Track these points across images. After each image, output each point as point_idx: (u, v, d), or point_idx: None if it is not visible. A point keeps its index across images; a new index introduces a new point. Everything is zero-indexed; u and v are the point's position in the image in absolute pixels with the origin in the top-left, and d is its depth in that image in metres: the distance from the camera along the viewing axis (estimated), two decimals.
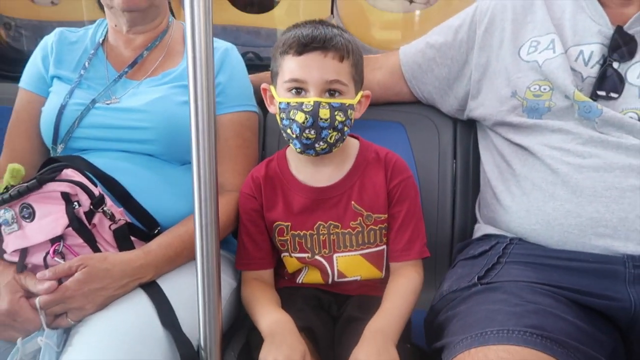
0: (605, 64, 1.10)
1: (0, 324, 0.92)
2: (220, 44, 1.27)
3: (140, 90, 1.20)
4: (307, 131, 1.00)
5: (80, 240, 0.96)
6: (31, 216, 0.94)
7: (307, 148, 1.03)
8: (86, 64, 1.24)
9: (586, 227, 1.02)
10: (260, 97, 1.34)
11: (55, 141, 1.18)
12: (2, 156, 1.24)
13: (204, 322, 0.90)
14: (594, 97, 1.10)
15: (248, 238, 1.13)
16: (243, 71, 1.29)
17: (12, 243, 0.96)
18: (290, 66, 1.02)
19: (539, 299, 0.92)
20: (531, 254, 1.06)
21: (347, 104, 1.03)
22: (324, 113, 0.99)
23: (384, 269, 1.14)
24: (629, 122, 1.06)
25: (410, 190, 1.12)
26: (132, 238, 1.04)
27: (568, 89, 1.10)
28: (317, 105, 0.99)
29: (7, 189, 0.97)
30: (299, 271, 1.15)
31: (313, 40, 1.00)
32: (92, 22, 1.36)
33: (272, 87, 1.09)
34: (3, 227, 0.96)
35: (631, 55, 1.10)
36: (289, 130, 1.03)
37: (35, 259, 0.96)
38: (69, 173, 0.99)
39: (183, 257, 1.06)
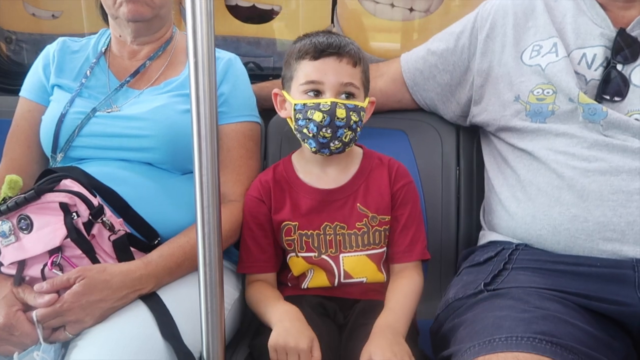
0: (608, 66, 1.10)
1: None
2: (224, 54, 1.28)
3: (142, 99, 1.20)
4: (324, 130, 1.04)
5: (78, 252, 0.95)
6: (29, 227, 0.93)
7: (322, 147, 1.07)
8: (88, 72, 1.24)
9: (593, 231, 1.01)
10: (261, 107, 1.35)
11: (54, 150, 1.18)
12: (1, 165, 1.24)
13: (206, 333, 0.88)
14: (599, 99, 1.09)
15: (253, 241, 1.15)
16: (246, 81, 1.29)
17: (10, 255, 0.94)
18: (307, 70, 1.07)
19: (547, 305, 0.90)
20: (538, 259, 1.04)
21: (359, 106, 1.08)
22: (341, 112, 1.04)
23: (384, 271, 1.15)
24: (634, 125, 1.04)
25: (412, 194, 1.16)
26: (132, 249, 1.03)
27: (572, 91, 1.09)
28: (334, 105, 1.04)
29: (4, 200, 0.96)
30: (303, 276, 1.15)
31: (329, 47, 1.06)
32: (93, 34, 1.36)
33: (284, 92, 1.13)
34: (0, 240, 0.95)
35: (634, 57, 1.09)
36: (305, 130, 1.07)
37: (33, 271, 0.94)
38: (68, 183, 0.98)
39: (184, 267, 1.05)
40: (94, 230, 0.97)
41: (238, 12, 1.74)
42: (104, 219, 0.98)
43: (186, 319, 0.96)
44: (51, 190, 0.96)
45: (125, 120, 1.15)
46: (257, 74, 1.73)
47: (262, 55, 1.77)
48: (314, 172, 1.15)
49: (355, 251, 1.12)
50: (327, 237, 1.12)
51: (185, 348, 0.93)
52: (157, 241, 1.08)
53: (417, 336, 1.10)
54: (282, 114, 1.15)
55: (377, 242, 1.13)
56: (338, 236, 1.12)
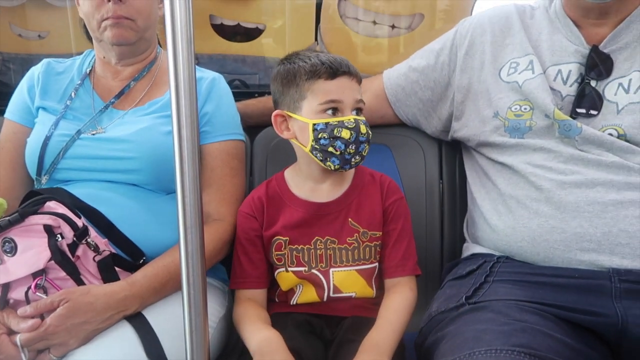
0: (583, 82, 1.13)
1: None
2: (208, 74, 1.28)
3: (126, 120, 1.21)
4: (350, 147, 1.07)
5: (63, 273, 0.95)
6: (13, 250, 0.93)
7: (345, 163, 1.09)
8: (72, 94, 1.24)
9: (571, 242, 1.03)
10: (246, 124, 1.36)
11: (39, 172, 1.18)
12: None
13: (191, 354, 0.88)
14: (574, 115, 1.12)
15: (245, 257, 1.15)
16: (230, 100, 1.30)
17: None
18: (324, 89, 1.08)
19: (526, 317, 0.91)
20: (518, 271, 1.06)
21: (366, 121, 1.12)
22: (363, 128, 1.08)
23: (375, 287, 1.16)
24: (607, 140, 1.07)
25: (403, 209, 1.18)
26: (117, 269, 1.03)
27: (548, 108, 1.12)
28: (357, 122, 1.08)
29: None
30: (292, 292, 1.15)
31: (341, 66, 1.09)
32: (80, 54, 1.37)
33: (288, 113, 1.12)
34: None
35: (608, 73, 1.12)
36: (330, 149, 1.07)
37: (17, 294, 0.94)
38: (52, 205, 0.98)
39: (169, 287, 1.05)
40: (79, 252, 0.98)
41: (223, 31, 1.76)
42: (89, 240, 0.98)
43: (171, 338, 0.96)
44: (35, 212, 0.96)
45: (110, 143, 1.15)
46: (243, 91, 1.75)
47: (248, 73, 1.79)
48: (308, 186, 1.17)
49: (345, 266, 1.13)
50: (318, 251, 1.13)
51: None
52: (142, 260, 1.08)
53: (403, 350, 1.11)
54: (285, 135, 1.14)
55: (367, 257, 1.14)
56: (329, 250, 1.13)
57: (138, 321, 0.98)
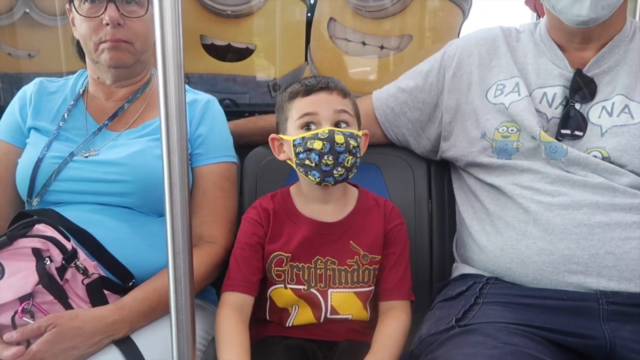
0: (567, 105, 1.15)
1: None
2: (202, 96, 1.28)
3: (119, 142, 1.20)
4: (325, 157, 1.05)
5: (50, 297, 0.94)
6: (0, 274, 0.92)
7: (326, 176, 1.07)
8: (65, 115, 1.23)
9: (559, 264, 1.04)
10: (237, 144, 1.36)
11: (30, 194, 1.16)
12: None
13: None
14: (560, 137, 1.14)
15: (244, 261, 1.13)
16: (223, 123, 1.30)
17: None
18: (300, 105, 1.10)
19: (515, 340, 0.92)
20: (507, 293, 1.06)
21: (355, 133, 1.10)
22: (339, 138, 1.06)
23: (369, 310, 1.16)
24: (593, 161, 1.09)
25: (403, 235, 1.19)
26: (106, 292, 1.02)
27: (534, 130, 1.13)
28: (332, 132, 1.06)
29: None
30: (287, 313, 1.14)
31: (318, 83, 1.11)
32: (71, 73, 1.36)
33: (280, 135, 1.16)
34: None
35: (592, 96, 1.15)
36: (307, 162, 1.07)
37: (3, 318, 0.93)
38: (41, 228, 0.97)
39: (159, 311, 1.04)
40: (68, 275, 0.97)
41: (214, 51, 1.77)
42: (78, 263, 0.98)
43: None
44: (24, 235, 0.95)
45: (103, 166, 1.14)
46: (233, 110, 1.76)
47: (239, 92, 1.80)
48: (312, 205, 1.17)
49: (344, 287, 1.13)
50: (318, 270, 1.13)
51: None
52: (131, 283, 1.07)
53: None
54: (281, 157, 1.16)
55: (365, 280, 1.14)
56: (328, 271, 1.13)
57: (126, 345, 0.97)
